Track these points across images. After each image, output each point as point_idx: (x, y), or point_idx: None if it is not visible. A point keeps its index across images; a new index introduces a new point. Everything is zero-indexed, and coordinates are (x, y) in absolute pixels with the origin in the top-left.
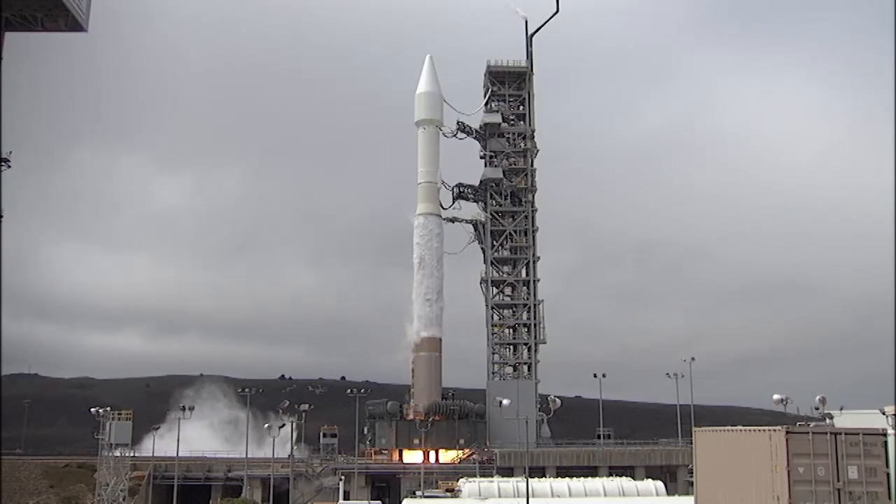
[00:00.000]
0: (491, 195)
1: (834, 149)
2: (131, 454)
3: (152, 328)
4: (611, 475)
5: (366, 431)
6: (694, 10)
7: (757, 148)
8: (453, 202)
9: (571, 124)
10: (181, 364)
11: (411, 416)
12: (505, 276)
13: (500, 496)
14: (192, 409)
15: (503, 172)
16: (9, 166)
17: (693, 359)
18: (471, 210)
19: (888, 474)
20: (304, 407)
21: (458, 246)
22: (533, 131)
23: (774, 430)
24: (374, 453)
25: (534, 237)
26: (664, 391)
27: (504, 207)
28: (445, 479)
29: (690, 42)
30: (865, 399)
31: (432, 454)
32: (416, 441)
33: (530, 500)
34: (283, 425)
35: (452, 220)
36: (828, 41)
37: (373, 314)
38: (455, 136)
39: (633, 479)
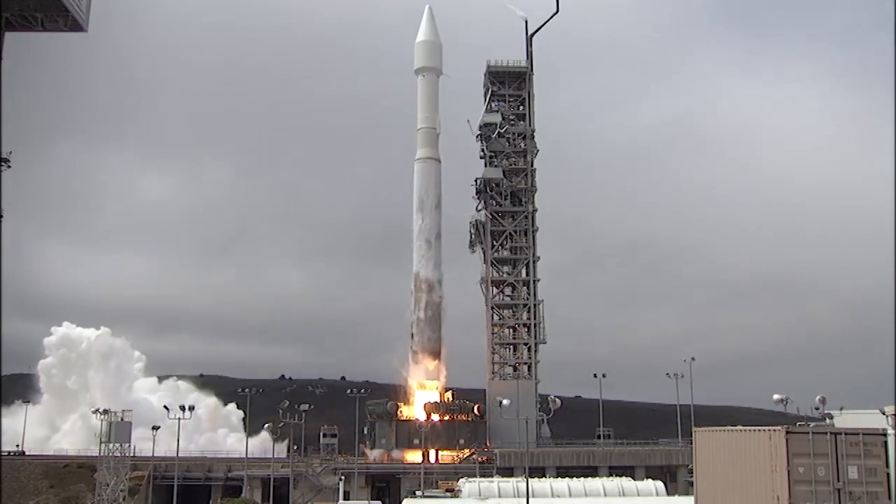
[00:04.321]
0: (491, 195)
1: (833, 146)
2: (131, 454)
3: (145, 327)
4: (611, 475)
5: (366, 431)
6: (694, 8)
7: (757, 145)
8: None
9: (572, 123)
10: (179, 364)
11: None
12: (505, 276)
13: (500, 496)
14: (192, 408)
15: (503, 172)
16: (9, 166)
17: (693, 359)
18: (471, 210)
19: (888, 474)
20: (304, 407)
21: (458, 245)
22: (533, 131)
23: (774, 430)
24: (370, 450)
25: (534, 237)
26: (664, 391)
27: (504, 207)
28: (445, 479)
29: (691, 40)
30: (865, 399)
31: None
32: (416, 441)
33: (530, 500)
34: (283, 424)
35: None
36: (828, 39)
37: (368, 314)
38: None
39: (633, 479)
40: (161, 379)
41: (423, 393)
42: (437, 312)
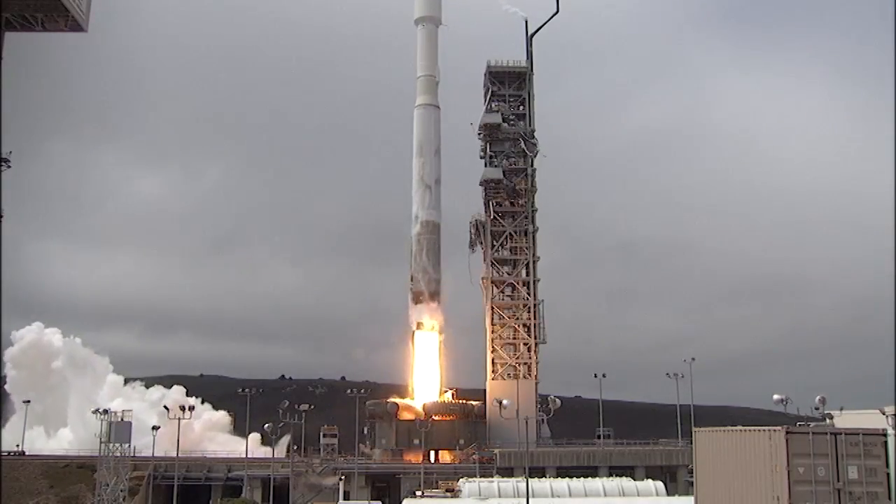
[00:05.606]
0: (491, 195)
1: (832, 145)
2: (131, 454)
3: (143, 327)
4: (611, 475)
5: (366, 431)
6: (694, 7)
7: (756, 144)
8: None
9: (572, 123)
10: (179, 364)
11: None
12: (505, 276)
13: (500, 496)
14: (191, 409)
15: (503, 172)
16: (9, 166)
17: (693, 359)
18: (471, 210)
19: (888, 474)
20: (304, 407)
21: (459, 244)
22: (533, 131)
23: (774, 430)
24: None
25: (534, 237)
26: (664, 391)
27: (504, 208)
28: (445, 479)
29: (690, 39)
30: (865, 399)
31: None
32: (416, 441)
33: (530, 500)
34: (283, 424)
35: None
36: (827, 38)
37: (367, 314)
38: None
39: (633, 479)
40: (127, 381)
41: (421, 333)
42: (435, 254)
